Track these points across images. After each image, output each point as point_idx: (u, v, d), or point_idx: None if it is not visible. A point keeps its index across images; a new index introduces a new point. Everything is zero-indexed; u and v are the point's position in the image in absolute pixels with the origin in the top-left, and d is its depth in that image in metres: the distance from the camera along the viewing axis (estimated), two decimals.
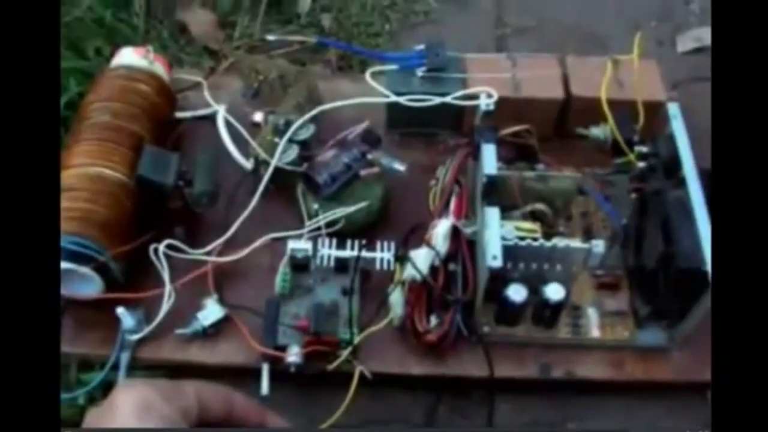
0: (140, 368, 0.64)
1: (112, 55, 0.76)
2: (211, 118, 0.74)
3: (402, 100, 0.68)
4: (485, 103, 0.67)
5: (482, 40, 0.90)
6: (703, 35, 0.91)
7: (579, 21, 0.92)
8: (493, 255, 0.57)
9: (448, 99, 0.68)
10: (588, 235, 0.69)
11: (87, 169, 0.64)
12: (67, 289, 0.62)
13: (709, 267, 0.56)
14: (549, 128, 0.74)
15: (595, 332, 0.65)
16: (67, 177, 0.64)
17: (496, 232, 0.58)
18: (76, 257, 0.61)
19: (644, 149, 0.66)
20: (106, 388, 0.63)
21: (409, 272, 0.62)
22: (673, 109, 0.66)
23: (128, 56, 0.73)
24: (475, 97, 0.69)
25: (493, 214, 0.60)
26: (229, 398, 0.45)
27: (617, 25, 0.91)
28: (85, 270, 0.61)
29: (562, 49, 0.87)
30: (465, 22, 0.92)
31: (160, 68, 0.73)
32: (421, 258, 0.61)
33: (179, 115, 0.76)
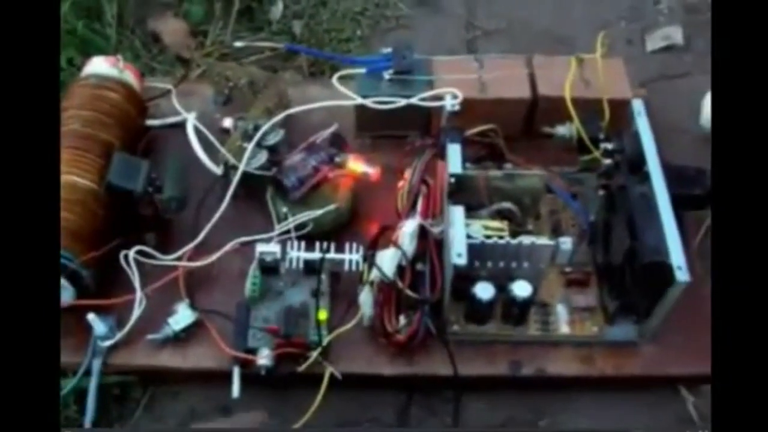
0: (112, 374, 0.64)
1: (83, 65, 0.77)
2: (181, 126, 0.75)
3: (368, 102, 0.69)
4: (450, 103, 0.68)
5: (453, 44, 0.91)
6: (672, 33, 0.92)
7: (549, 23, 0.93)
8: (457, 253, 0.58)
9: (414, 100, 0.69)
10: (556, 232, 0.69)
11: None
12: None
13: (672, 260, 0.57)
14: (517, 128, 0.74)
15: (564, 328, 0.65)
16: None
17: (461, 231, 0.59)
18: None
19: (609, 146, 0.67)
20: (79, 394, 0.63)
21: (376, 273, 0.62)
22: (637, 105, 0.67)
23: (98, 65, 0.74)
24: (440, 98, 0.69)
25: (457, 212, 0.60)
26: None
27: (586, 27, 0.91)
28: None
29: (531, 51, 0.88)
30: (436, 26, 0.93)
31: (130, 76, 0.74)
32: (388, 258, 0.62)
33: (150, 122, 0.76)
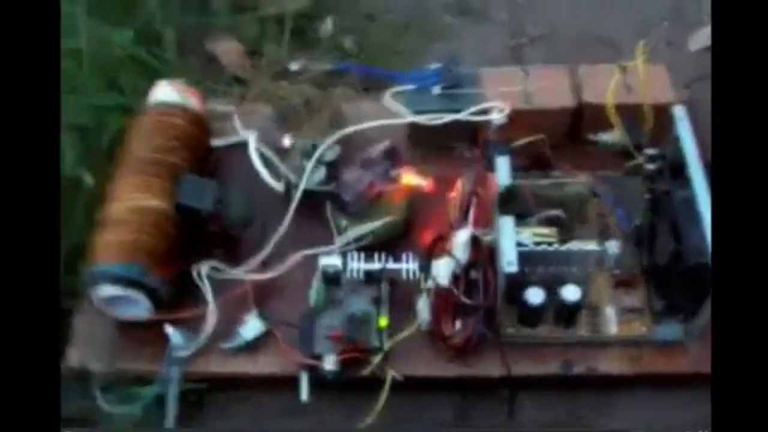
0: (189, 381, 0.69)
1: (147, 89, 0.82)
2: (244, 144, 0.79)
3: (418, 119, 0.73)
4: (497, 117, 0.71)
5: (498, 51, 0.94)
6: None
7: (592, 26, 0.95)
8: (508, 261, 0.61)
9: (461, 116, 0.72)
10: (604, 236, 0.72)
11: (132, 202, 0.70)
12: (120, 312, 0.68)
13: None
14: (562, 135, 0.77)
15: (613, 329, 0.68)
16: (115, 210, 0.69)
17: (511, 239, 0.62)
18: (127, 283, 0.66)
19: (652, 152, 0.70)
20: (159, 400, 0.68)
21: (431, 281, 0.66)
22: (679, 111, 0.69)
23: (163, 92, 0.78)
24: (487, 111, 0.72)
25: (507, 222, 0.63)
26: None
27: (629, 28, 0.93)
28: (135, 294, 0.66)
29: (575, 55, 0.91)
30: (482, 34, 0.96)
31: (193, 101, 0.78)
32: (442, 267, 0.65)
33: (214, 143, 0.81)
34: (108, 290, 0.66)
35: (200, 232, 0.71)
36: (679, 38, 0.94)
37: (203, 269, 0.70)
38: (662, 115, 0.72)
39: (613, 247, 0.67)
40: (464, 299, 0.65)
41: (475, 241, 0.67)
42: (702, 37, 0.93)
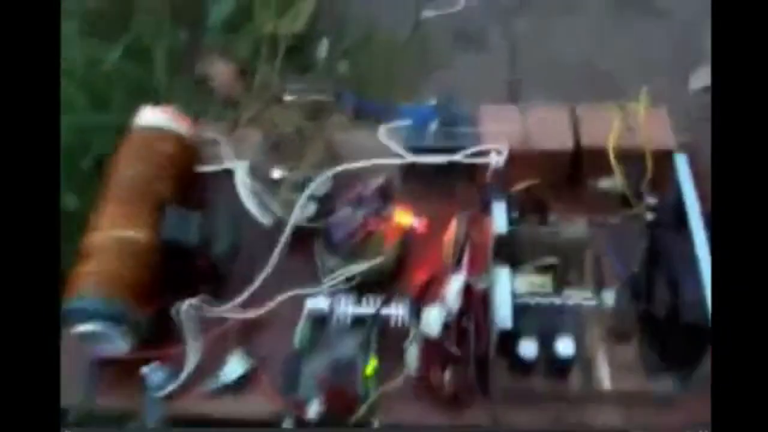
0: (171, 421, 0.67)
1: (135, 109, 0.79)
2: (232, 173, 0.77)
3: (416, 159, 0.71)
4: (495, 160, 0.69)
5: (496, 82, 0.92)
6: None
7: (592, 61, 0.94)
8: (503, 317, 0.59)
9: (459, 158, 0.70)
10: (599, 284, 0.70)
11: (114, 233, 0.67)
12: (99, 348, 0.65)
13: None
14: (560, 177, 0.75)
15: (606, 382, 0.66)
16: (96, 240, 0.67)
17: (507, 293, 0.60)
18: (106, 318, 0.63)
19: (652, 201, 0.68)
20: None
21: (422, 329, 0.64)
22: (680, 161, 0.68)
23: (151, 116, 0.76)
24: (486, 153, 0.71)
25: (503, 274, 0.61)
26: None
27: (631, 64, 0.92)
28: (112, 330, 0.64)
29: (575, 88, 0.89)
30: (480, 65, 0.94)
31: (182, 126, 0.76)
32: (434, 316, 0.63)
33: (202, 169, 0.78)
34: (86, 326, 0.63)
35: (185, 265, 0.69)
36: (681, 75, 0.93)
37: (184, 306, 0.67)
38: (663, 159, 0.70)
39: (608, 298, 0.66)
40: (455, 350, 0.63)
41: (467, 288, 0.65)
42: (703, 76, 0.92)
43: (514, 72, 0.93)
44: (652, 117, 0.73)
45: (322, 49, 0.94)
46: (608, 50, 0.95)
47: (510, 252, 0.65)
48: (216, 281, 0.71)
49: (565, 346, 0.63)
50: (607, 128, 0.72)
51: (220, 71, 0.91)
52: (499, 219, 0.64)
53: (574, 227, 0.70)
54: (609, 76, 0.92)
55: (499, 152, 0.70)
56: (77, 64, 0.77)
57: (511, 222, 0.65)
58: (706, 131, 0.84)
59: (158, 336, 0.67)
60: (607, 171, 0.71)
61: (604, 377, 0.66)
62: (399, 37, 0.96)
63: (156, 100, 0.82)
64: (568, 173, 0.75)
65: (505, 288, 0.60)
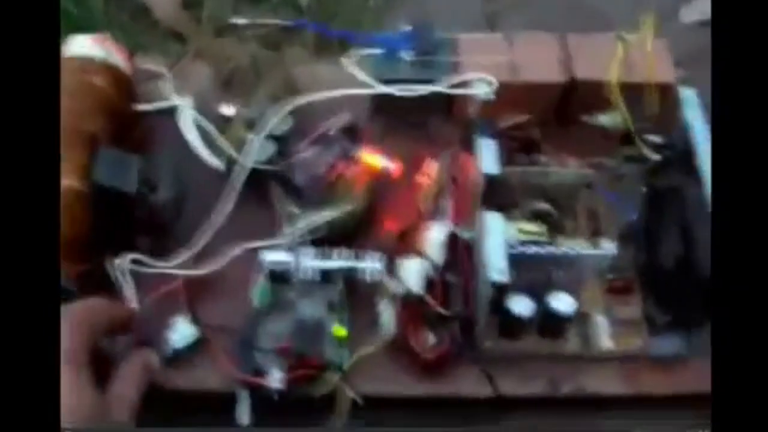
0: None
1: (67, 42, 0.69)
2: (176, 111, 0.67)
3: (388, 90, 0.62)
4: (484, 92, 0.60)
5: (473, 15, 0.84)
6: (707, 8, 0.85)
7: None
8: (498, 269, 0.51)
9: (438, 88, 0.61)
10: (596, 234, 0.62)
11: None
12: None
13: None
14: (550, 114, 0.67)
15: (606, 343, 0.59)
16: None
17: (500, 242, 0.53)
18: None
19: (658, 140, 0.61)
20: None
21: (400, 285, 0.56)
22: (689, 95, 0.60)
23: (82, 45, 0.65)
24: (469, 84, 0.62)
25: (495, 220, 0.53)
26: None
27: None
28: None
29: (559, 24, 0.81)
30: None
31: (117, 58, 0.66)
32: (414, 270, 0.55)
33: (141, 108, 0.68)
34: None
35: (121, 217, 0.59)
36: (670, 10, 0.85)
37: (124, 262, 0.58)
38: (665, 97, 0.63)
39: (609, 248, 0.58)
40: (441, 310, 0.55)
41: (451, 239, 0.57)
42: (695, 8, 0.85)
43: (491, 5, 0.85)
44: (653, 48, 0.65)
45: None
46: None
47: (497, 195, 0.57)
48: (158, 234, 0.61)
49: (562, 302, 0.55)
50: (603, 60, 0.64)
51: (164, 1, 0.81)
52: (488, 158, 0.56)
53: (568, 168, 0.63)
54: (594, 8, 0.84)
55: (489, 82, 0.61)
56: None
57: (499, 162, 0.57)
58: (704, 67, 0.78)
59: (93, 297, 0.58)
60: (604, 106, 0.64)
61: (604, 337, 0.59)
62: None
63: (90, 31, 0.72)
64: (561, 110, 0.67)
65: (498, 237, 0.52)
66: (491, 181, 0.56)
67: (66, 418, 0.44)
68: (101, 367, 0.50)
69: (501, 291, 0.54)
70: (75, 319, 0.49)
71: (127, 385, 0.51)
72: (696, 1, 0.85)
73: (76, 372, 0.47)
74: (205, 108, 0.67)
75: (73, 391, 0.46)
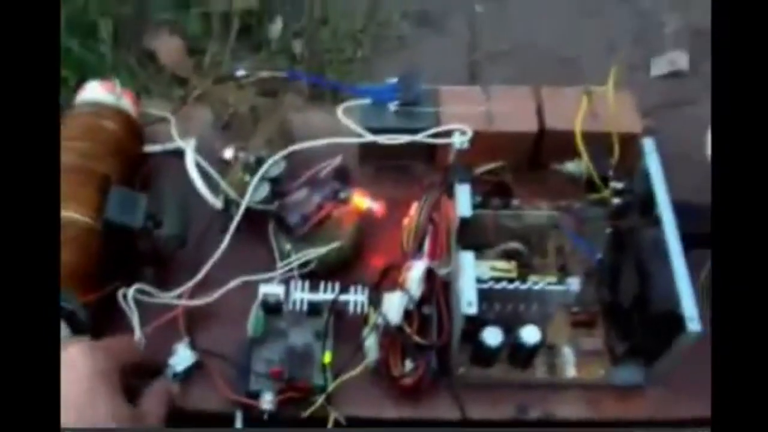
0: None
1: (78, 86, 0.75)
2: (180, 153, 0.73)
3: (375, 138, 0.67)
4: (459, 141, 0.66)
5: (456, 66, 0.90)
6: (677, 59, 0.91)
7: (553, 45, 0.92)
8: (468, 301, 0.56)
9: (420, 138, 0.67)
10: (563, 271, 0.68)
11: None
12: None
13: (683, 310, 0.56)
14: (523, 160, 0.73)
15: (571, 371, 0.64)
16: None
17: (471, 278, 0.58)
18: None
19: (619, 185, 0.66)
20: None
21: (382, 316, 0.61)
22: (648, 145, 0.66)
23: (95, 91, 0.71)
24: (448, 134, 0.68)
25: (467, 258, 0.59)
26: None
27: (592, 49, 0.91)
28: None
29: (536, 73, 0.87)
30: (439, 47, 0.92)
31: (127, 103, 0.72)
32: (395, 303, 0.60)
33: (148, 149, 0.74)
34: None
35: (128, 250, 0.65)
36: (641, 63, 0.91)
37: (130, 292, 0.63)
38: (628, 145, 0.68)
39: (574, 284, 0.64)
40: (417, 339, 0.60)
41: (429, 275, 0.63)
42: (665, 62, 0.91)
43: (474, 55, 0.91)
44: (617, 99, 0.71)
45: (277, 27, 0.90)
46: (570, 35, 0.92)
47: (473, 237, 0.62)
48: (162, 266, 0.67)
49: (530, 334, 0.61)
50: (572, 111, 0.70)
51: (169, 47, 0.87)
52: (463, 202, 0.62)
53: (538, 211, 0.68)
54: (570, 60, 0.90)
55: (463, 132, 0.67)
56: None
57: (474, 206, 0.63)
58: (668, 118, 0.84)
59: (97, 324, 0.63)
60: (572, 154, 0.69)
61: (569, 366, 0.64)
62: (356, 16, 0.92)
63: (100, 75, 0.77)
64: (533, 157, 0.73)
65: (470, 273, 0.58)
66: (465, 222, 0.61)
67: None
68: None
69: (473, 322, 0.59)
70: (111, 348, 0.56)
71: (154, 405, 0.57)
72: (663, 56, 0.91)
73: (114, 390, 0.53)
74: (206, 149, 0.72)
75: (111, 403, 0.52)
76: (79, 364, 0.52)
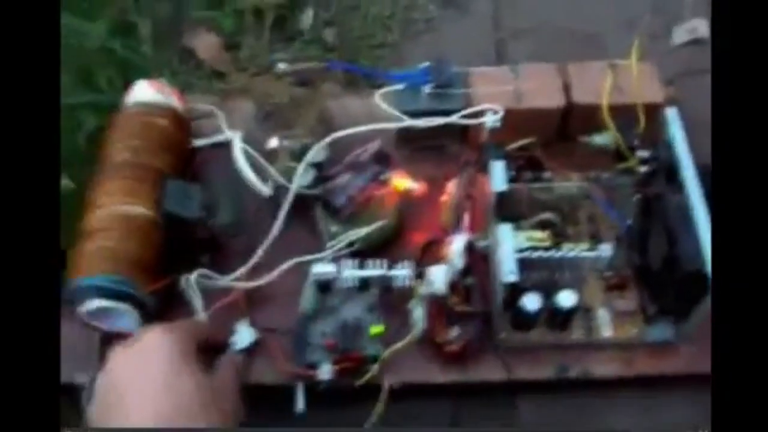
0: None
1: (124, 85, 0.79)
2: (227, 144, 0.77)
3: (410, 122, 0.71)
4: (491, 120, 0.70)
5: (482, 45, 0.93)
6: (698, 26, 0.93)
7: (574, 20, 0.94)
8: (509, 270, 0.61)
9: (454, 119, 0.71)
10: (595, 238, 0.71)
11: (114, 208, 0.67)
12: (107, 325, 0.66)
13: (709, 269, 0.60)
14: (552, 135, 0.76)
15: (606, 332, 0.68)
16: (98, 218, 0.67)
17: (510, 248, 0.62)
18: (113, 295, 0.64)
19: (645, 154, 0.69)
20: None
21: (428, 288, 0.65)
22: (672, 114, 0.69)
23: (143, 91, 0.75)
24: (480, 114, 0.72)
25: (505, 230, 0.63)
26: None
27: (612, 22, 0.93)
28: (121, 306, 0.64)
29: (559, 49, 0.90)
30: (464, 28, 0.94)
31: (174, 101, 0.76)
32: (440, 275, 0.64)
33: (196, 143, 0.78)
34: (94, 303, 0.64)
35: (187, 239, 0.69)
36: (661, 32, 0.94)
37: (192, 277, 0.68)
38: (652, 114, 0.72)
39: (606, 250, 0.67)
40: (462, 307, 0.64)
41: (469, 248, 0.67)
42: (685, 31, 0.93)
43: (498, 34, 0.94)
44: (640, 72, 0.74)
45: (308, 18, 0.93)
46: (589, 10, 0.95)
47: (509, 210, 0.66)
48: (219, 253, 0.71)
49: (566, 299, 0.65)
50: (597, 85, 0.74)
51: (206, 44, 0.91)
52: (497, 178, 0.66)
53: (569, 183, 0.72)
54: (591, 35, 0.92)
55: (495, 112, 0.71)
56: (62, 43, 0.76)
57: (508, 181, 0.67)
58: (690, 86, 0.86)
59: (165, 310, 0.68)
60: (599, 127, 0.73)
61: (605, 327, 0.68)
62: (384, 2, 0.95)
63: (143, 75, 0.82)
64: (561, 131, 0.76)
65: (509, 244, 0.62)
66: (501, 196, 0.65)
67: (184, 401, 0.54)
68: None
69: (513, 290, 0.64)
70: (185, 328, 0.61)
71: (229, 375, 0.62)
72: (683, 24, 0.93)
73: (196, 366, 0.57)
74: (251, 140, 0.76)
75: (195, 379, 0.56)
76: (160, 346, 0.56)
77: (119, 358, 0.57)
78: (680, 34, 0.93)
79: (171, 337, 0.57)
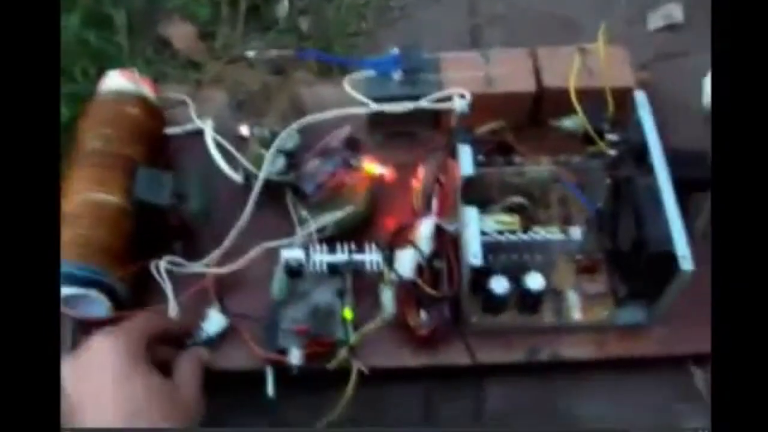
0: None
1: (98, 75, 0.79)
2: (199, 133, 0.77)
3: (380, 107, 0.71)
4: (459, 104, 0.70)
5: (457, 31, 0.93)
6: (672, 11, 0.93)
7: (549, 5, 0.94)
8: (473, 253, 0.61)
9: (423, 103, 0.71)
10: (566, 221, 0.72)
11: (85, 196, 0.68)
12: (78, 312, 0.66)
13: (677, 250, 0.60)
14: (523, 119, 0.76)
15: (577, 314, 0.68)
16: (67, 205, 0.67)
17: (476, 231, 0.62)
18: (83, 282, 0.64)
19: (614, 137, 0.70)
20: None
21: (396, 272, 0.65)
22: (640, 97, 0.69)
23: (115, 80, 0.76)
24: (449, 98, 0.72)
25: (471, 213, 0.63)
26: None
27: (589, 8, 0.93)
28: (92, 293, 0.65)
29: (535, 35, 0.90)
30: (439, 14, 0.94)
31: (146, 90, 0.76)
32: (407, 259, 0.65)
33: (169, 131, 0.78)
34: (64, 291, 0.64)
35: (158, 226, 0.69)
36: (637, 17, 0.94)
37: (162, 264, 0.68)
38: (623, 98, 0.71)
39: (576, 233, 0.67)
40: (430, 291, 0.65)
41: (438, 231, 0.67)
42: (660, 16, 0.93)
43: (472, 20, 0.94)
44: (611, 56, 0.74)
45: (283, 6, 0.93)
46: None
47: (478, 194, 0.66)
48: (190, 239, 0.71)
49: (534, 281, 0.65)
50: (568, 69, 0.73)
51: (181, 33, 0.91)
52: (464, 161, 0.66)
53: (539, 167, 0.72)
54: (568, 20, 0.93)
55: (462, 96, 0.71)
56: None
57: (477, 164, 0.67)
58: (665, 69, 0.87)
59: (136, 297, 0.68)
60: (569, 111, 0.73)
61: (575, 309, 0.68)
62: None
63: (118, 64, 0.82)
64: (531, 115, 0.76)
65: (474, 227, 0.62)
66: (468, 180, 0.65)
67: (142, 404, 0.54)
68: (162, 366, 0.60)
69: (481, 273, 0.64)
70: (133, 326, 0.60)
71: (187, 375, 0.61)
72: (659, 9, 0.93)
73: (147, 367, 0.57)
74: (223, 128, 0.77)
75: (146, 382, 0.56)
76: (107, 353, 0.56)
77: (68, 370, 0.57)
78: (655, 19, 0.93)
79: (117, 342, 0.57)
